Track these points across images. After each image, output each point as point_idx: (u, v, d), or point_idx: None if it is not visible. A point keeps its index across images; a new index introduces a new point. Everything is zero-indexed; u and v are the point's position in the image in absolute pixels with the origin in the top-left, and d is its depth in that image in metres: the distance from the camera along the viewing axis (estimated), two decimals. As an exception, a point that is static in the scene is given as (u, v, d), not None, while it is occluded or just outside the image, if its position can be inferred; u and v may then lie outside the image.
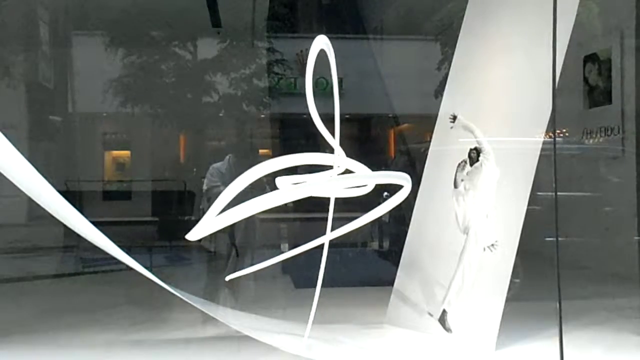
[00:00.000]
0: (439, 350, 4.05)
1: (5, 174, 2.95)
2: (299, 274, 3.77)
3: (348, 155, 3.67)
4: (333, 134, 3.55)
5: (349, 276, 4.32)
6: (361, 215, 3.87)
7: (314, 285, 3.68)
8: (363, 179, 3.51)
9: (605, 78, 6.62)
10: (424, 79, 8.39)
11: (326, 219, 3.69)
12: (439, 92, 6.39)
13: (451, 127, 4.44)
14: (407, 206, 4.57)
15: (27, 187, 3.07)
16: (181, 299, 3.71)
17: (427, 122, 4.84)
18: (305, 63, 3.39)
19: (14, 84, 8.48)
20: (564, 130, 6.97)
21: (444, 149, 4.47)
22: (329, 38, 3.51)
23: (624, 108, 6.37)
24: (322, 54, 3.42)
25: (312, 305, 3.61)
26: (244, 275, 4.81)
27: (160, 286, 3.54)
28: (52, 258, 7.54)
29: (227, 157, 5.12)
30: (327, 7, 10.07)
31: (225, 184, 3.77)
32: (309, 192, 3.41)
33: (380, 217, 6.96)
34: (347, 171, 3.62)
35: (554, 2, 3.57)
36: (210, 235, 5.05)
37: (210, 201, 5.14)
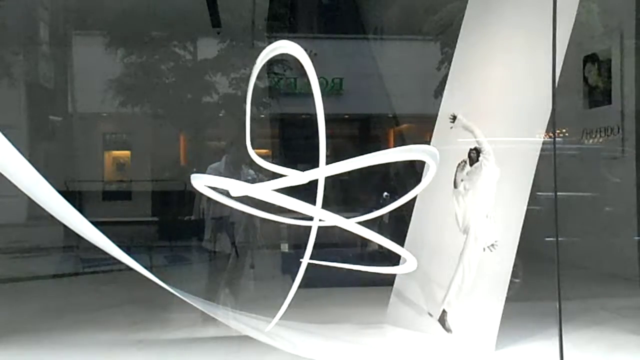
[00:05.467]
0: (439, 351, 4.04)
1: (5, 174, 2.95)
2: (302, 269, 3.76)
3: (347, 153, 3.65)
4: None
5: (349, 276, 4.32)
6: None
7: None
8: (370, 236, 3.49)
9: (605, 78, 6.62)
10: (423, 79, 8.38)
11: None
12: (438, 92, 6.39)
13: (451, 127, 4.42)
14: (407, 206, 4.56)
15: (26, 187, 3.07)
16: (181, 299, 3.71)
17: (426, 122, 4.83)
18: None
19: (14, 84, 8.48)
20: (564, 130, 6.97)
21: (444, 149, 4.43)
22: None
23: (623, 108, 6.37)
24: (319, 55, 3.39)
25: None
26: (244, 275, 4.85)
27: (161, 286, 3.54)
28: (52, 258, 7.54)
29: (224, 157, 5.13)
30: (327, 7, 10.07)
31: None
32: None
33: (381, 217, 6.98)
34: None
35: (554, 2, 3.56)
36: (210, 235, 5.09)
37: (210, 201, 5.17)
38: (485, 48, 4.43)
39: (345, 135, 12.16)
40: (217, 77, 9.65)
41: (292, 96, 9.87)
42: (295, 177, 3.43)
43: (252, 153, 3.63)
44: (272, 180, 3.44)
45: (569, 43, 3.97)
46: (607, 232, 6.19)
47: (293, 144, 9.93)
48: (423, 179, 3.77)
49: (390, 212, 5.39)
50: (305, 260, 3.45)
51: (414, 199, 4.47)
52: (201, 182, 3.44)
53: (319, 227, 3.43)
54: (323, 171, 3.26)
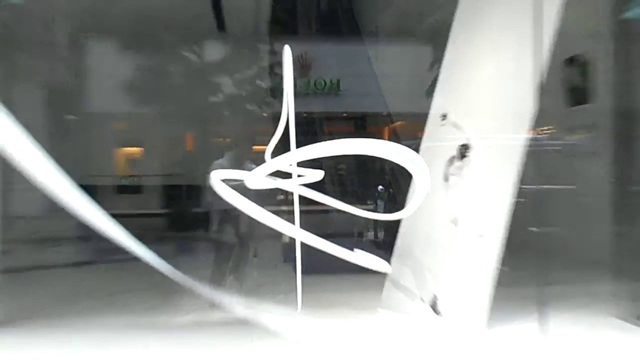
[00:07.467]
0: (430, 332, 4.23)
1: (24, 170, 3.11)
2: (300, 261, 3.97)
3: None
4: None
5: (346, 264, 4.54)
6: (358, 208, 4.03)
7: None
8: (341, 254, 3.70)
9: (586, 79, 6.78)
10: (417, 80, 8.52)
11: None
12: (430, 91, 6.58)
13: (442, 125, 4.49)
14: (402, 199, 4.78)
15: (42, 182, 3.21)
16: (190, 286, 3.88)
17: (419, 120, 4.98)
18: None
19: (35, 87, 8.72)
20: (547, 128, 7.15)
21: (435, 145, 4.55)
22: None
23: (602, 107, 6.54)
24: (318, 57, 3.57)
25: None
26: (248, 264, 5.02)
27: (171, 274, 3.71)
28: (66, 248, 7.66)
29: (228, 153, 5.27)
30: (326, 11, 10.26)
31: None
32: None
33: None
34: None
35: (539, 6, 3.77)
36: (217, 227, 5.27)
37: (215, 194, 5.33)
38: (474, 50, 4.53)
39: (342, 133, 12.32)
40: (222, 78, 9.85)
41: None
42: (268, 165, 3.52)
43: (267, 156, 3.74)
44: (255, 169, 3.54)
45: (552, 45, 4.14)
46: (585, 222, 6.31)
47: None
48: (412, 187, 3.86)
49: (386, 205, 5.60)
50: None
51: (407, 193, 4.69)
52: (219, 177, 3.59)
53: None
54: (294, 155, 3.36)
